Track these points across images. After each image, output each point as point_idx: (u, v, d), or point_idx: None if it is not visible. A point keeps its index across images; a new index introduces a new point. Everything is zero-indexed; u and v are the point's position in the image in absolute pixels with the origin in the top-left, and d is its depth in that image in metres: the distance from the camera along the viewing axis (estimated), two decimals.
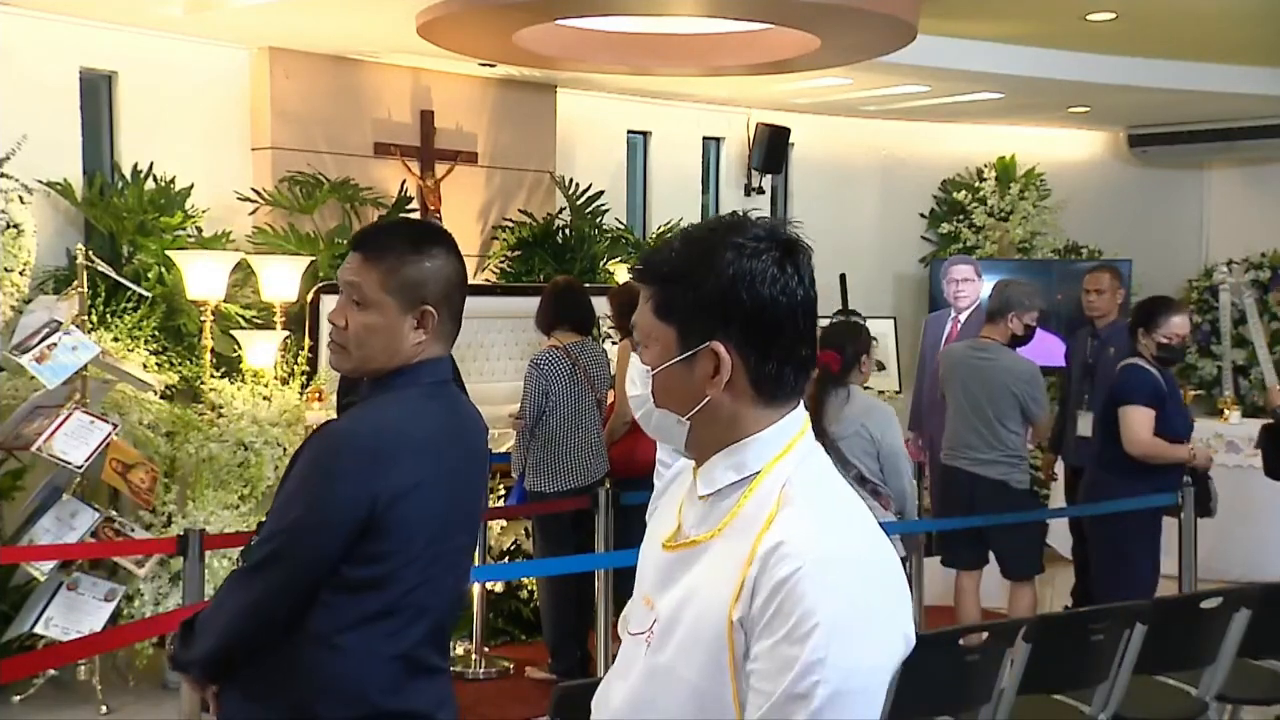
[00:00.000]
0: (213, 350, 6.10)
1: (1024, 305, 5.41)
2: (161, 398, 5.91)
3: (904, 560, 4.67)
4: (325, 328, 6.40)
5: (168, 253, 6.20)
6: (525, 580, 6.14)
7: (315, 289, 6.39)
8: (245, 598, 2.14)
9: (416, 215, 7.44)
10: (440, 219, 7.49)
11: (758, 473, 1.54)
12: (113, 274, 5.82)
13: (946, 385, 5.59)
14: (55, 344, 5.16)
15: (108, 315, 5.94)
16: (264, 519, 2.33)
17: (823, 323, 7.41)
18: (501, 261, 7.78)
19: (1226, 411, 7.96)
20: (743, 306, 1.51)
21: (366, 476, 2.08)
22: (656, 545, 1.66)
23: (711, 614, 1.49)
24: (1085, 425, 6.10)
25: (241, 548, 3.23)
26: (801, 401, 1.60)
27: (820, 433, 4.53)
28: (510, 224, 7.82)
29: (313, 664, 2.11)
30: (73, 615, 5.13)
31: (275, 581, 2.11)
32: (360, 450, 2.11)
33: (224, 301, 6.21)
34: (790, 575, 1.42)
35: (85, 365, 5.27)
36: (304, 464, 2.16)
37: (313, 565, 2.09)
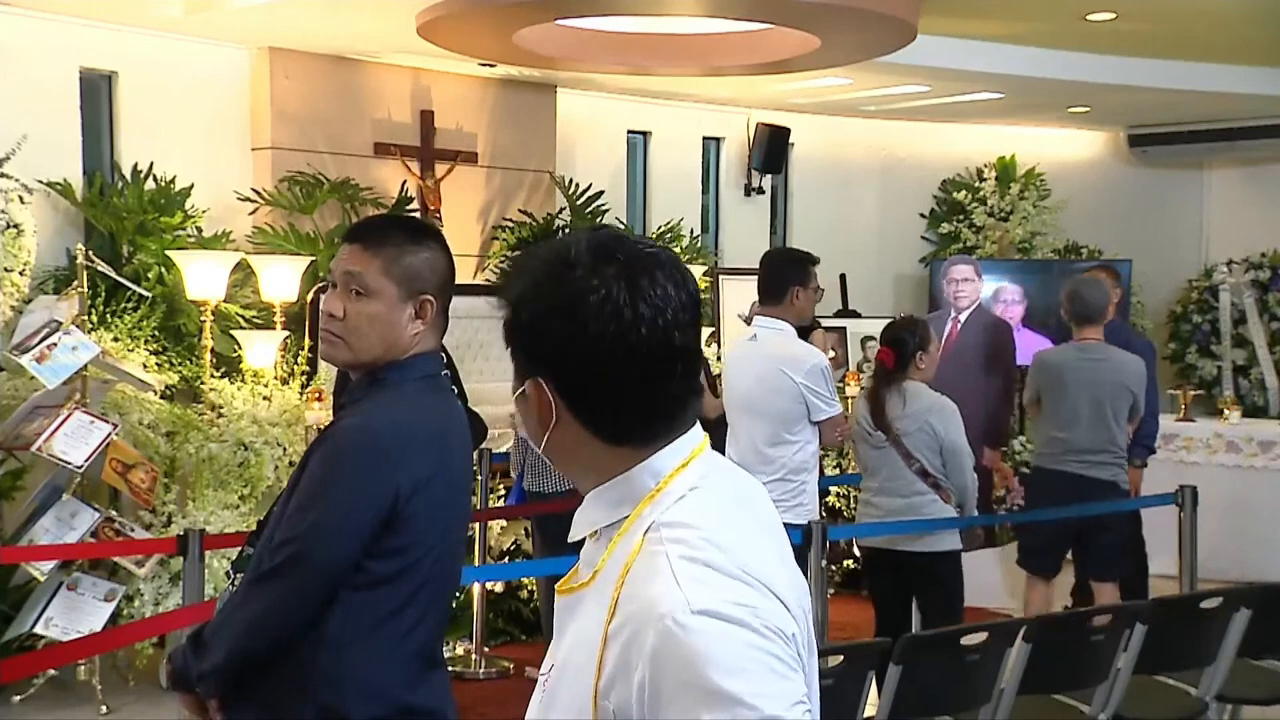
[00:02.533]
0: (213, 350, 6.10)
1: (1109, 299, 5.51)
2: (161, 398, 5.91)
3: (960, 553, 4.77)
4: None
5: (168, 253, 6.20)
6: (525, 580, 6.14)
7: (315, 289, 6.39)
8: (261, 605, 2.11)
9: (417, 215, 7.44)
10: (440, 219, 7.49)
11: (626, 516, 1.36)
12: (113, 274, 5.82)
13: (1053, 391, 5.42)
14: (55, 344, 5.16)
15: (108, 315, 5.94)
16: (261, 520, 2.32)
17: (840, 324, 7.44)
18: (501, 261, 7.77)
19: (1226, 411, 7.96)
20: (560, 345, 1.32)
21: (387, 472, 2.09)
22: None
23: (580, 687, 1.32)
24: None
25: (238, 551, 3.23)
26: (682, 432, 1.39)
27: (885, 427, 4.67)
28: (510, 224, 7.82)
29: (333, 666, 2.09)
30: (73, 615, 5.12)
31: (293, 587, 2.09)
32: (378, 447, 2.11)
33: (224, 301, 6.21)
34: (663, 641, 1.24)
35: (85, 365, 5.27)
36: (318, 466, 2.14)
37: (331, 569, 2.08)
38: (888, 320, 5.30)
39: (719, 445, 5.98)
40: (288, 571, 2.09)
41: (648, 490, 1.36)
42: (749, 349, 4.68)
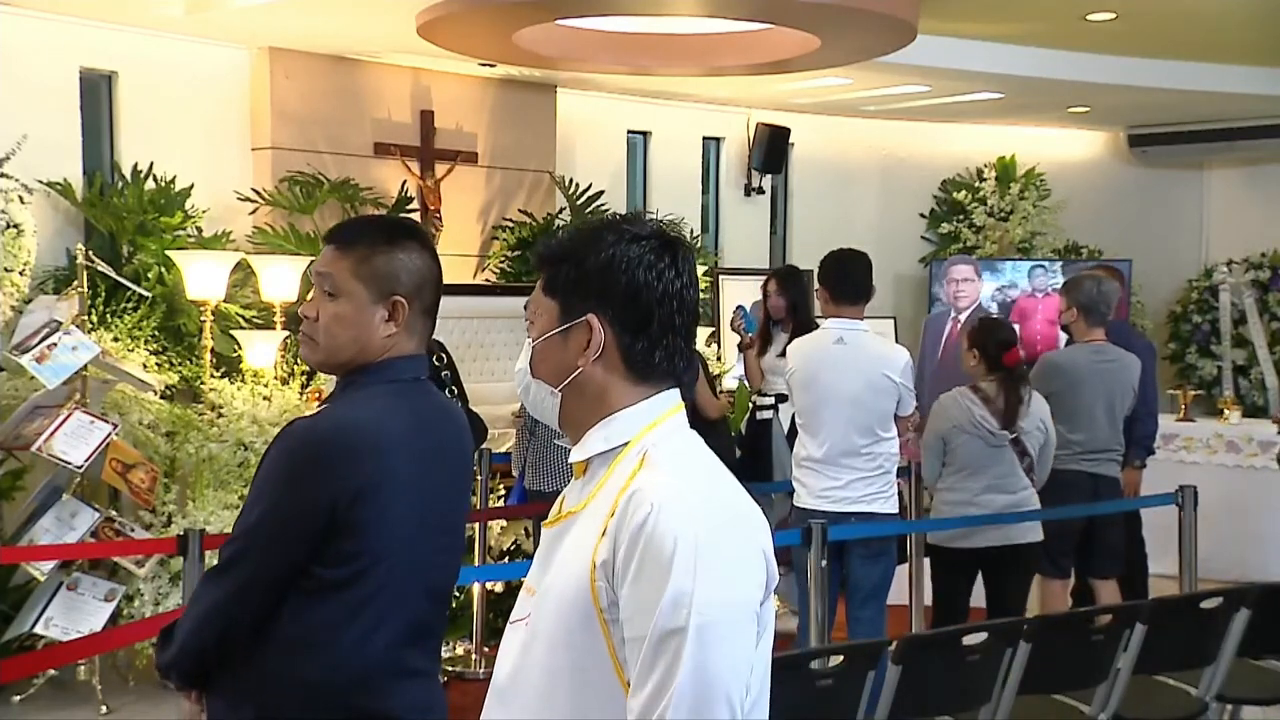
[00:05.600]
0: (213, 350, 6.10)
1: (1115, 298, 5.55)
2: (161, 398, 5.91)
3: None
4: None
5: (168, 253, 6.20)
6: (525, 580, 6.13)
7: None
8: (210, 599, 2.13)
9: (416, 215, 7.44)
10: (440, 219, 7.50)
11: (626, 443, 1.62)
12: (113, 274, 5.82)
13: (1067, 393, 5.39)
14: (55, 344, 5.16)
15: (108, 315, 5.94)
16: None
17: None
18: (501, 261, 7.78)
19: (1226, 411, 7.95)
20: (619, 285, 1.61)
21: (325, 478, 2.06)
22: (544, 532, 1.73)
23: (576, 569, 1.56)
24: None
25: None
26: (674, 386, 1.67)
27: (1014, 426, 4.79)
28: (510, 224, 7.82)
29: (287, 667, 2.08)
30: (73, 615, 5.12)
31: (238, 582, 2.09)
32: (319, 452, 2.08)
33: (224, 301, 6.21)
34: (646, 517, 1.49)
35: (85, 365, 5.27)
36: (267, 464, 2.14)
37: (274, 566, 2.08)
38: (888, 320, 5.31)
39: (721, 445, 6.00)
40: (231, 569, 2.10)
41: (646, 424, 1.62)
42: (843, 351, 4.73)
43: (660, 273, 1.62)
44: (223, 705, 2.16)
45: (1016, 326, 5.54)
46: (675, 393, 1.66)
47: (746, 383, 6.65)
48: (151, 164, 6.50)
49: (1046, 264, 9.09)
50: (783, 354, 5.46)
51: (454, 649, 5.89)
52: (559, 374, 1.65)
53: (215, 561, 2.28)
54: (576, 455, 1.67)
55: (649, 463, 1.58)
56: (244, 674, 2.12)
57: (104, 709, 5.21)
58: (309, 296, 2.25)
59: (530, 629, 1.62)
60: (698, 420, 5.88)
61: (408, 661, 2.18)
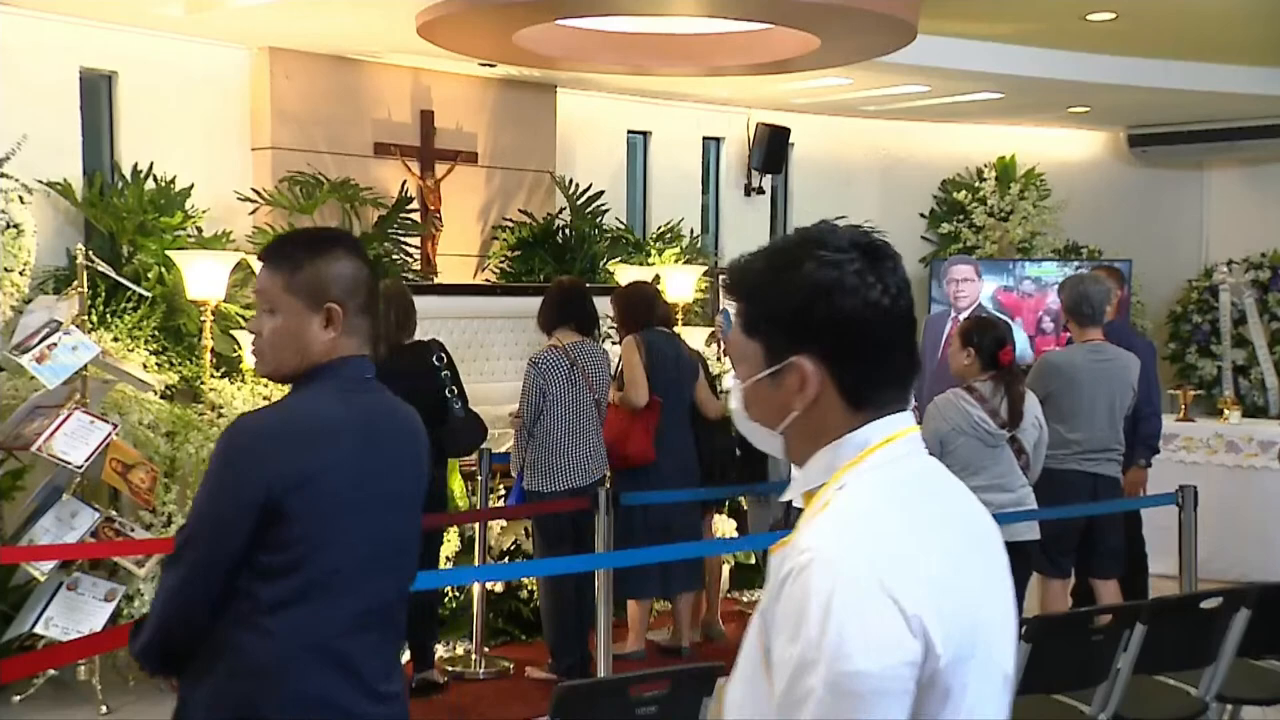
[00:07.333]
0: (213, 350, 6.10)
1: (1104, 297, 5.53)
2: (161, 398, 5.91)
3: None
4: None
5: (168, 253, 6.20)
6: (525, 580, 6.14)
7: None
8: (166, 588, 2.26)
9: (417, 215, 7.44)
10: (440, 219, 7.50)
11: (826, 481, 1.54)
12: (113, 274, 5.82)
13: (1066, 393, 5.41)
14: (55, 344, 5.16)
15: (108, 315, 5.94)
16: None
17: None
18: (501, 261, 7.78)
19: (1226, 411, 7.95)
20: (824, 320, 1.50)
21: (261, 466, 2.18)
22: None
23: (759, 622, 1.52)
24: None
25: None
26: (904, 409, 1.56)
27: (1015, 425, 4.81)
28: (510, 224, 7.82)
29: (237, 646, 2.19)
30: (73, 615, 5.12)
31: (187, 570, 2.21)
32: (248, 443, 2.22)
33: (224, 301, 6.21)
34: (792, 570, 1.42)
35: (85, 365, 5.27)
36: (213, 454, 2.27)
37: (219, 551, 2.19)
38: None
39: (721, 445, 6.00)
40: (182, 556, 2.23)
41: (849, 458, 1.52)
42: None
43: (865, 295, 1.49)
44: (187, 686, 2.28)
45: (1014, 324, 5.56)
46: (898, 417, 1.55)
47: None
48: (151, 164, 6.50)
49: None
50: None
51: (454, 649, 5.89)
52: (775, 416, 1.56)
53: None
54: (792, 493, 1.60)
55: (829, 506, 1.49)
56: (201, 654, 2.23)
57: (104, 709, 5.20)
58: (252, 315, 2.38)
59: (740, 654, 1.57)
60: (698, 420, 5.90)
61: (348, 657, 2.24)
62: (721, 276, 1.56)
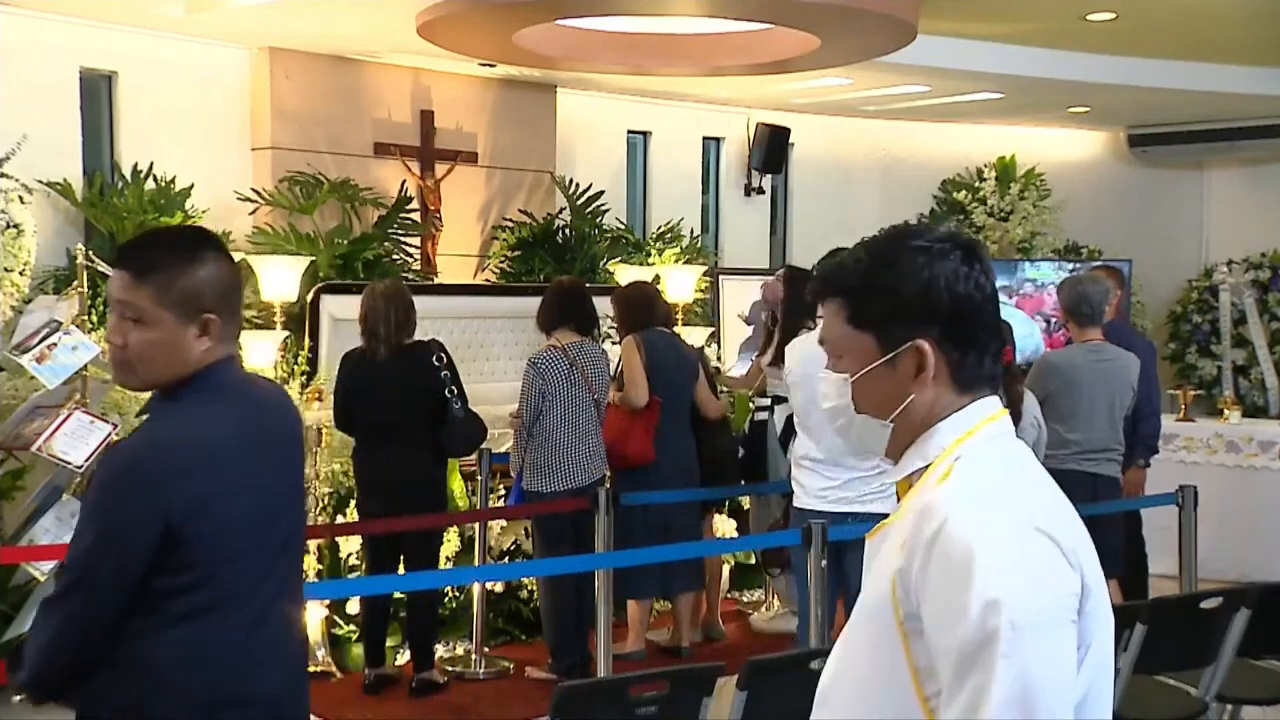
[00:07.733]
0: None
1: (1101, 297, 5.53)
2: None
3: None
4: (326, 327, 6.42)
5: None
6: (525, 580, 6.14)
7: (315, 289, 6.39)
8: (50, 629, 2.14)
9: (416, 215, 7.44)
10: (440, 219, 7.50)
11: (938, 457, 1.61)
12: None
13: (1065, 393, 5.41)
14: (55, 344, 5.16)
15: (108, 315, 5.93)
16: None
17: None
18: (501, 261, 7.78)
19: (1226, 411, 7.95)
20: (942, 304, 1.60)
21: (155, 497, 2.06)
22: None
23: (880, 581, 1.56)
24: None
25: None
26: (996, 393, 1.66)
27: (1016, 422, 4.79)
28: (510, 224, 7.82)
29: (138, 660, 2.11)
30: None
31: (78, 609, 2.11)
32: (146, 472, 2.08)
33: None
34: (938, 529, 1.48)
35: (85, 365, 5.26)
36: (93, 488, 2.13)
37: (112, 588, 2.08)
38: None
39: (723, 445, 6.00)
40: (69, 597, 2.11)
41: (959, 435, 1.61)
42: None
43: (975, 281, 1.61)
44: (86, 700, 2.18)
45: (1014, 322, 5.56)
46: (994, 399, 1.65)
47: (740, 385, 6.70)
48: (151, 164, 6.50)
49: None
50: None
51: (454, 649, 5.89)
52: (889, 404, 1.64)
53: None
54: (897, 475, 1.67)
55: (951, 474, 1.56)
56: (101, 671, 2.13)
57: None
58: (109, 322, 2.24)
59: (845, 635, 1.63)
60: (698, 420, 5.90)
61: (261, 646, 2.19)
62: (807, 281, 1.59)
